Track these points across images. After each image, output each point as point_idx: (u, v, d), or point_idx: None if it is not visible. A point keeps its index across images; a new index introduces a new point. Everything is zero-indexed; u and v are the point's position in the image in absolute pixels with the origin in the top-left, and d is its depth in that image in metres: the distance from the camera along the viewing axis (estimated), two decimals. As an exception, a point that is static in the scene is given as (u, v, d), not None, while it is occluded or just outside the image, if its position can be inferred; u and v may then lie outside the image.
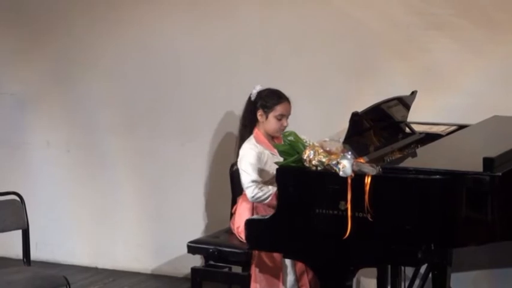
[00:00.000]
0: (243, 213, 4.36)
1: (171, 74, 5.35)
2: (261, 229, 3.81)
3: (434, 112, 4.62)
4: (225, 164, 4.77)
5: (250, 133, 4.44)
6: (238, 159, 4.40)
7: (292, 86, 4.63)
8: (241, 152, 4.39)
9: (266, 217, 3.82)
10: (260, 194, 4.26)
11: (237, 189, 4.57)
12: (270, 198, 4.23)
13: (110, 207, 5.64)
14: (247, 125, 4.45)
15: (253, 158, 4.32)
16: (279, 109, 4.37)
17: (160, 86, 5.40)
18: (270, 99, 4.38)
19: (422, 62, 4.71)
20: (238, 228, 4.38)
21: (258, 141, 4.40)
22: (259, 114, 4.39)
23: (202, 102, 5.29)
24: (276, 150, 3.98)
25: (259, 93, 4.43)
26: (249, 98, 4.46)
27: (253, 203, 4.35)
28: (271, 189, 4.21)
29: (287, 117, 4.41)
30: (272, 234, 3.78)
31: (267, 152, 4.36)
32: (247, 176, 4.30)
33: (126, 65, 5.47)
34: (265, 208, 4.29)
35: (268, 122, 4.39)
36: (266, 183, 4.33)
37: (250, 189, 4.29)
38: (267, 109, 4.37)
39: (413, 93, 4.24)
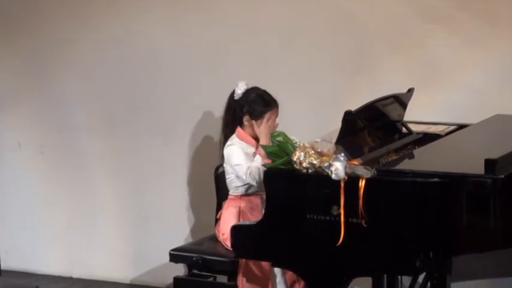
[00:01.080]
0: (228, 219, 4.30)
1: (151, 71, 5.30)
2: (248, 236, 3.80)
3: (432, 111, 4.60)
4: (210, 166, 4.71)
5: (233, 131, 4.40)
6: (225, 158, 4.36)
7: (281, 83, 4.63)
8: (226, 150, 4.34)
9: (253, 223, 3.82)
10: (254, 174, 4.16)
11: (222, 193, 4.52)
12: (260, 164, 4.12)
13: (86, 212, 5.59)
14: (230, 122, 4.40)
15: (241, 152, 4.27)
16: (267, 116, 4.31)
17: (140, 84, 5.34)
18: (258, 106, 4.31)
19: (419, 57, 4.68)
20: (223, 235, 4.32)
21: (240, 138, 4.34)
22: (246, 119, 4.35)
23: (184, 100, 5.23)
24: (260, 149, 4.01)
25: (245, 95, 4.36)
26: (232, 96, 4.40)
27: (239, 209, 4.31)
28: (255, 160, 4.14)
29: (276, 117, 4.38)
30: (260, 241, 3.78)
31: (250, 150, 4.31)
32: (242, 167, 4.23)
33: (103, 61, 5.42)
34: (252, 214, 4.26)
35: (256, 128, 4.33)
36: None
37: (249, 177, 4.22)
38: (255, 117, 4.31)
39: (410, 90, 4.21)
